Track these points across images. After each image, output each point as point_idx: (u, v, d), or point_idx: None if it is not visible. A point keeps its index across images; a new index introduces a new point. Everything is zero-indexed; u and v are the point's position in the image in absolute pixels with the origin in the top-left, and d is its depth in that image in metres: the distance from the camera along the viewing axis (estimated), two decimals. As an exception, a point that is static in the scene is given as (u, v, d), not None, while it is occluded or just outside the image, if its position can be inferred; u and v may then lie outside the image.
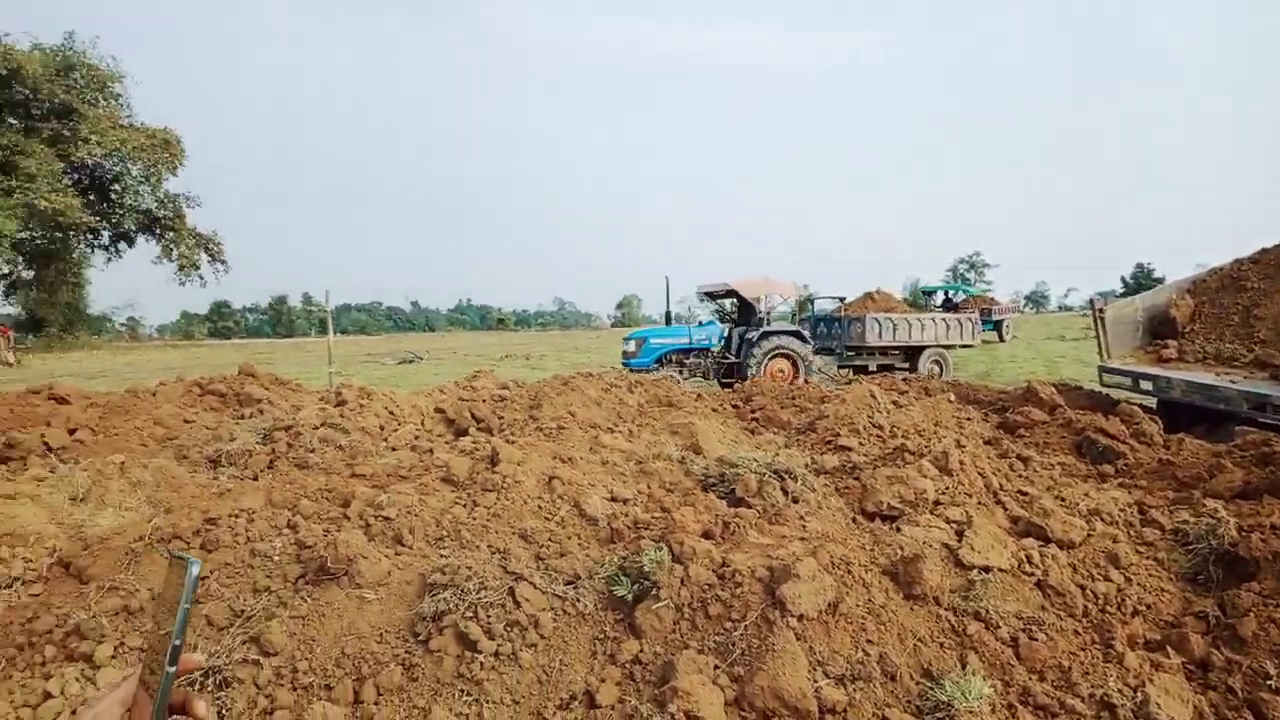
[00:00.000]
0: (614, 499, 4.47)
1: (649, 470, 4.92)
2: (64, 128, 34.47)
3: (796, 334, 15.05)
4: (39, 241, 36.82)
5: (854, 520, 4.43)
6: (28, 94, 33.51)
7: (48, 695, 2.95)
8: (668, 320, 16.78)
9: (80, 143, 34.55)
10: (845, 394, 7.44)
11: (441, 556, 3.58)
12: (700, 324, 16.42)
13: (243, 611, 3.27)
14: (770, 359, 14.61)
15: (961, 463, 4.66)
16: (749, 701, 2.78)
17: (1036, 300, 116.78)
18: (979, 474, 4.70)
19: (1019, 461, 5.57)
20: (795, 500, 4.42)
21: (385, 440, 6.41)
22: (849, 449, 5.71)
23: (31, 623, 3.31)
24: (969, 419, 7.25)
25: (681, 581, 3.27)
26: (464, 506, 4.26)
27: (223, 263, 42.85)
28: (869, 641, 3.05)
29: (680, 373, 14.66)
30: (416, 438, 6.63)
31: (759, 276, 15.55)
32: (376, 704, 2.87)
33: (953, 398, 7.95)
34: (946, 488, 4.45)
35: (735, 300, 16.27)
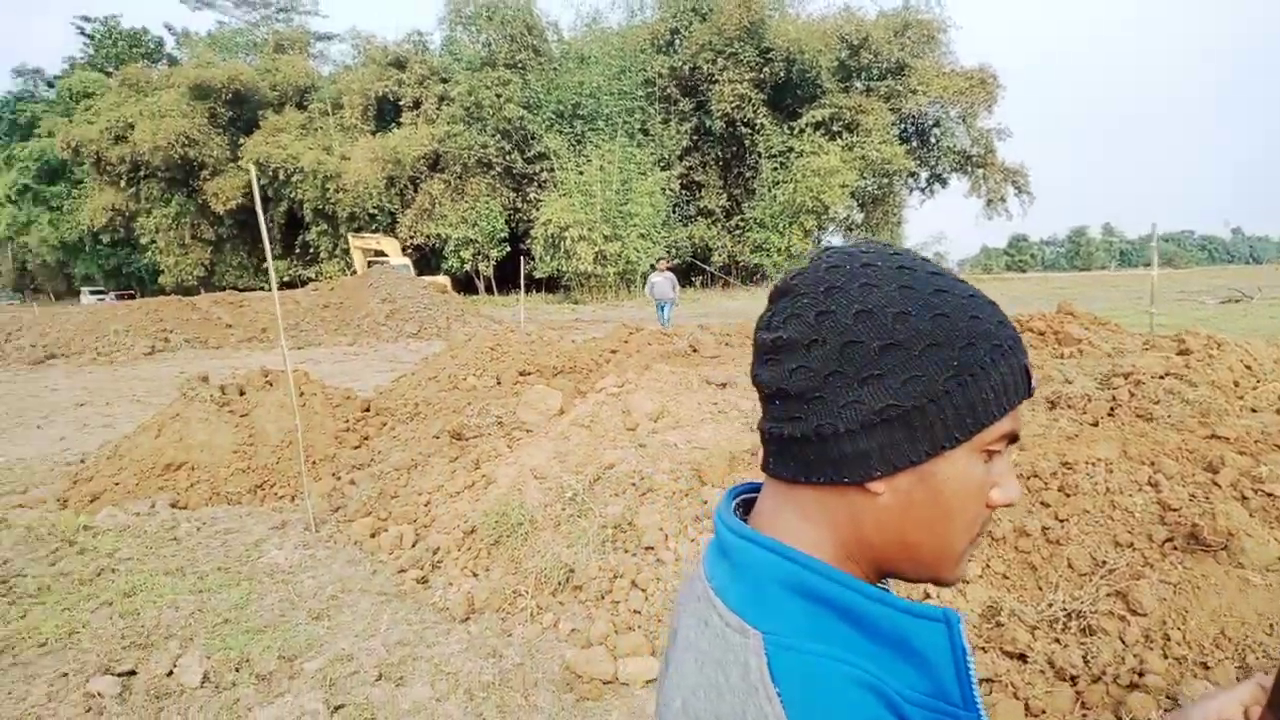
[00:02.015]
0: None
1: None
2: (896, 84, 38.96)
3: None
4: (870, 187, 42.73)
5: None
6: (872, 57, 38.83)
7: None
8: None
9: (909, 95, 38.63)
10: None
11: (1352, 554, 2.97)
12: None
13: (1104, 562, 3.29)
14: None
15: None
16: None
17: None
18: None
19: None
20: None
21: (1241, 399, 5.59)
22: None
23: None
24: None
25: None
26: (1375, 497, 3.45)
27: (1028, 194, 43.11)
28: None
29: None
30: (1281, 399, 5.61)
31: None
32: None
33: None
34: None
35: None
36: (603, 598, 4.22)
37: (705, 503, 4.63)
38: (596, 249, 33.93)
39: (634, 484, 5.00)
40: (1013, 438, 0.71)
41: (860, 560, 0.71)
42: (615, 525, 4.64)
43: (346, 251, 31.82)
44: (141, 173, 43.79)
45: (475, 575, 4.73)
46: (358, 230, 37.79)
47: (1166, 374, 5.61)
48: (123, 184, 44.34)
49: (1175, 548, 3.19)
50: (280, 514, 5.80)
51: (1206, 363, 5.92)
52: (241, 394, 7.52)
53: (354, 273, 30.35)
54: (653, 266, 18.67)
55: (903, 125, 42.39)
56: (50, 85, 58.74)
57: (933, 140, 43.49)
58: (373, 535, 5.25)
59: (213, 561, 4.83)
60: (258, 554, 4.99)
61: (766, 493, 0.76)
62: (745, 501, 0.82)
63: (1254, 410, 5.28)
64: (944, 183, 45.67)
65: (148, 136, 40.86)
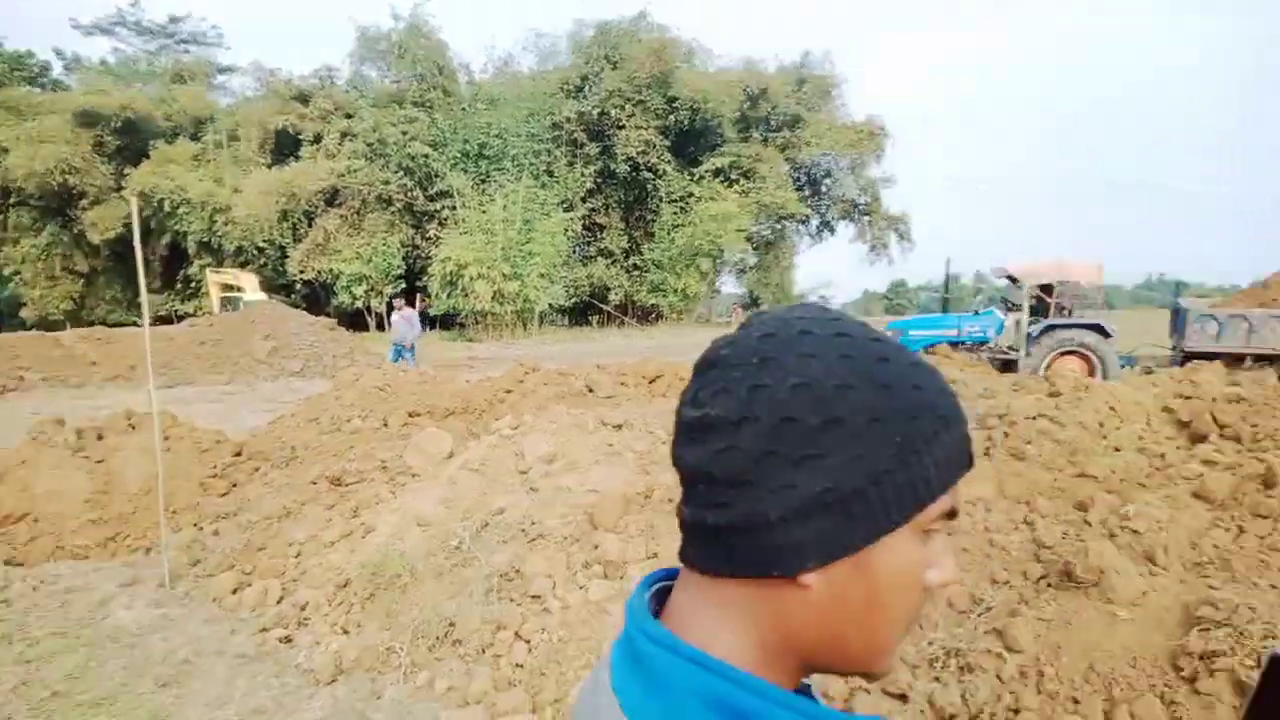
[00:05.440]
0: None
1: None
2: (792, 135, 40.46)
3: (1096, 328, 12.74)
4: (764, 232, 43.97)
5: None
6: (770, 109, 40.23)
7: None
8: (944, 307, 15.08)
9: (804, 146, 40.16)
10: None
11: (1209, 587, 3.09)
12: (976, 313, 14.52)
13: (981, 600, 3.32)
14: (1055, 356, 12.61)
15: None
16: None
17: None
18: None
19: None
20: None
21: (1104, 438, 5.87)
22: None
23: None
24: None
25: None
26: (1227, 531, 3.62)
27: (909, 241, 45.22)
28: None
29: None
30: (1141, 438, 5.92)
31: (1049, 258, 13.73)
32: (1134, 736, 2.62)
33: None
34: None
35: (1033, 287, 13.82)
36: (483, 651, 4.01)
37: (596, 548, 4.50)
38: (495, 287, 33.60)
39: (523, 530, 4.82)
40: (951, 514, 0.65)
41: (784, 660, 0.64)
42: (501, 574, 4.45)
43: (226, 287, 30.34)
44: (11, 200, 40.95)
45: (346, 632, 4.44)
46: (244, 264, 36.26)
47: (1038, 415, 5.84)
48: (-12, 211, 41.33)
49: (1049, 585, 3.25)
50: (132, 569, 5.32)
51: (1074, 404, 6.21)
52: (100, 438, 6.95)
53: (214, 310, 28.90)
54: (390, 305, 18.49)
55: (797, 174, 43.95)
56: (-81, 106, 54.08)
57: (824, 189, 45.25)
58: (234, 591, 4.86)
59: (47, 626, 4.36)
60: (102, 614, 4.54)
61: (684, 586, 0.67)
62: (660, 591, 0.71)
63: (1117, 449, 5.55)
64: (832, 230, 47.42)
65: (23, 162, 38.29)
